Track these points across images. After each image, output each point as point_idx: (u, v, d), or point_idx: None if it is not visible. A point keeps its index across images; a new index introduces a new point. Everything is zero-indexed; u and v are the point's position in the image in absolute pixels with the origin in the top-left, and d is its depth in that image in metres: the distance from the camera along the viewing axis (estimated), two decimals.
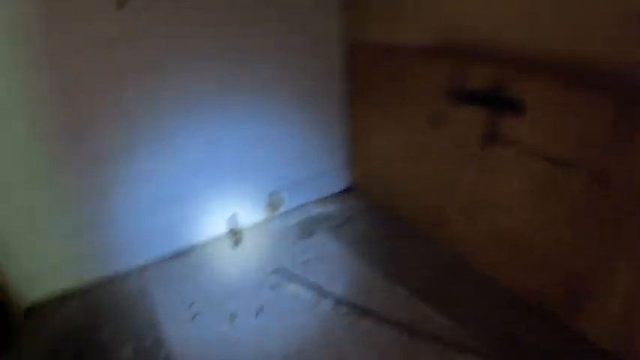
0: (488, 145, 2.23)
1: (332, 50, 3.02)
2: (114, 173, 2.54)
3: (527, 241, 2.23)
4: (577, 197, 1.93)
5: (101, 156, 2.46)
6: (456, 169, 2.48)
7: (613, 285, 1.90)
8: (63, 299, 2.65)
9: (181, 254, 2.97)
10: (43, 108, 2.23)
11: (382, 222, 3.13)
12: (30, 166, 2.32)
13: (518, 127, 2.08)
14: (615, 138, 1.72)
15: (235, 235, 2.98)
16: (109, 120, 2.41)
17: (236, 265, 2.82)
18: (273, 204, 3.23)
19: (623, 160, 1.73)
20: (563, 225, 2.03)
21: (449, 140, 2.46)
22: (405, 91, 2.66)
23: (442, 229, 2.74)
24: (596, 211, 1.88)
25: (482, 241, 2.49)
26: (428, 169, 2.68)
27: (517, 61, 2.05)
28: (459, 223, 2.61)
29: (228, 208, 3.04)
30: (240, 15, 2.61)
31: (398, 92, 2.72)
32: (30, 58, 2.12)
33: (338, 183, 3.54)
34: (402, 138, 2.82)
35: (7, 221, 2.37)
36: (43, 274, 2.58)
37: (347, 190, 3.57)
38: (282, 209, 3.31)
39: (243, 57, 2.70)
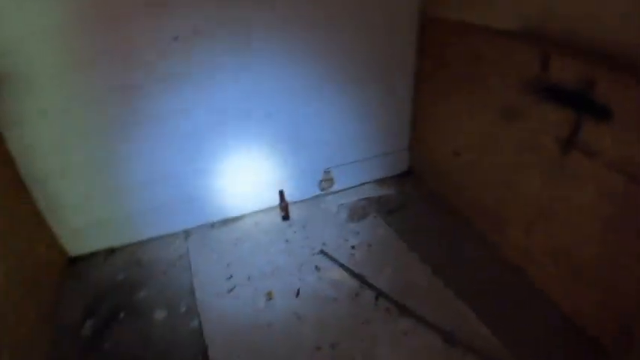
0: (565, 151, 1.94)
1: (407, 25, 2.76)
2: (167, 133, 2.48)
3: (589, 264, 1.96)
4: None
5: (154, 115, 2.40)
6: (525, 170, 2.21)
7: None
8: (105, 256, 2.68)
9: (228, 222, 2.91)
10: (103, 64, 2.18)
11: (437, 213, 2.91)
12: (85, 120, 2.30)
13: (602, 136, 1.77)
14: None
15: (285, 209, 2.87)
16: (163, 81, 2.33)
17: (281, 240, 2.72)
18: (326, 181, 3.09)
19: None
20: (634, 256, 1.76)
21: (521, 138, 2.17)
22: (479, 76, 2.37)
23: (499, 233, 2.49)
24: None
25: (540, 254, 2.23)
26: (494, 166, 2.42)
27: (614, 59, 1.72)
28: (517, 229, 2.35)
29: (281, 182, 2.93)
30: None
31: (471, 77, 2.44)
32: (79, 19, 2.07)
33: (396, 166, 3.33)
34: (470, 127, 2.56)
35: (57, 175, 2.38)
36: (89, 230, 2.62)
37: (404, 174, 3.35)
38: (335, 187, 3.16)
39: (313, 25, 2.52)
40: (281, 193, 2.87)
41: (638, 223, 1.71)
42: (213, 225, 2.89)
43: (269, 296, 2.33)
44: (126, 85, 2.26)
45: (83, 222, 2.57)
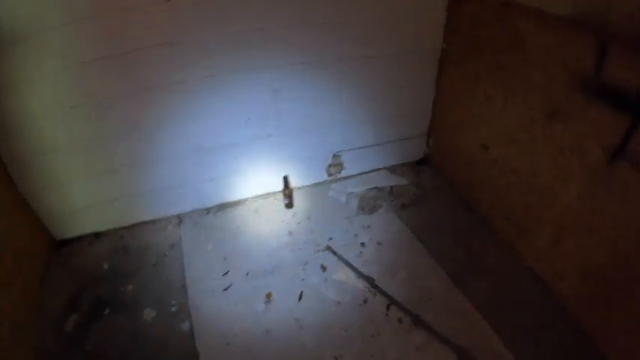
0: (613, 161, 1.68)
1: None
2: (160, 111, 2.22)
3: (623, 287, 1.73)
4: None
5: (148, 87, 2.13)
6: (563, 176, 1.95)
7: None
8: (91, 241, 2.44)
9: (226, 208, 2.67)
10: (91, 32, 1.90)
11: (456, 210, 2.65)
12: (68, 95, 2.03)
13: None
14: None
15: (289, 196, 2.63)
16: (160, 51, 2.04)
17: (284, 232, 2.49)
18: (335, 166, 2.83)
19: None
20: None
21: (564, 140, 1.90)
22: (520, 65, 2.07)
23: (523, 239, 2.25)
24: None
25: (569, 270, 2.00)
26: (527, 166, 2.16)
27: None
28: (546, 239, 2.11)
29: (285, 165, 2.67)
30: None
31: (510, 65, 2.13)
32: None
33: (411, 153, 3.05)
34: (503, 120, 2.27)
35: (41, 156, 2.13)
36: (76, 213, 2.39)
37: (419, 163, 3.09)
38: (344, 173, 2.90)
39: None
40: (285, 179, 2.62)
41: None
42: (209, 210, 2.64)
43: (268, 298, 2.11)
44: (113, 55, 1.98)
45: (69, 204, 2.33)
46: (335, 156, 2.80)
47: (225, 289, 2.16)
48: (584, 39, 1.70)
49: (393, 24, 2.41)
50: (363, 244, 2.40)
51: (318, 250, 2.36)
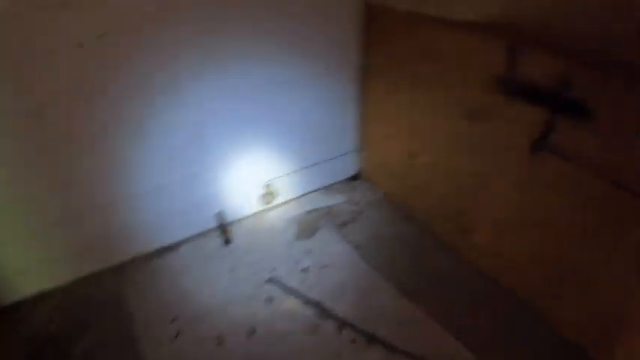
0: (538, 153, 1.78)
1: (349, 17, 2.50)
2: (83, 163, 2.10)
3: (569, 270, 1.84)
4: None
5: (69, 141, 2.02)
6: (492, 173, 2.04)
7: None
8: (34, 304, 2.27)
9: (164, 253, 2.55)
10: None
11: (396, 221, 2.69)
12: None
13: (580, 137, 1.61)
14: None
15: (225, 232, 2.57)
16: (75, 101, 1.95)
17: (225, 270, 2.41)
18: (269, 194, 2.80)
19: None
20: (614, 261, 1.64)
21: (490, 138, 1.99)
22: (437, 73, 2.15)
23: (467, 239, 2.32)
24: None
25: (514, 259, 2.09)
26: (458, 168, 2.23)
27: (593, 53, 1.57)
28: (485, 235, 2.19)
29: (217, 200, 2.61)
30: None
31: (428, 74, 2.21)
32: None
33: (343, 170, 3.08)
34: (427, 127, 2.34)
35: None
36: (13, 276, 2.21)
37: (355, 178, 3.12)
38: (280, 199, 2.88)
39: (240, 18, 2.20)
40: (219, 215, 2.56)
41: (616, 228, 1.60)
42: (149, 257, 2.52)
43: (219, 340, 2.03)
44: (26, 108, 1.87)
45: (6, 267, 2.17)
46: (267, 184, 2.77)
47: (175, 337, 2.06)
48: (494, 42, 1.81)
49: (309, 46, 2.45)
50: (306, 270, 2.37)
51: (263, 283, 2.31)
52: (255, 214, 2.82)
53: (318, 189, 3.01)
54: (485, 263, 2.25)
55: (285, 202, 2.91)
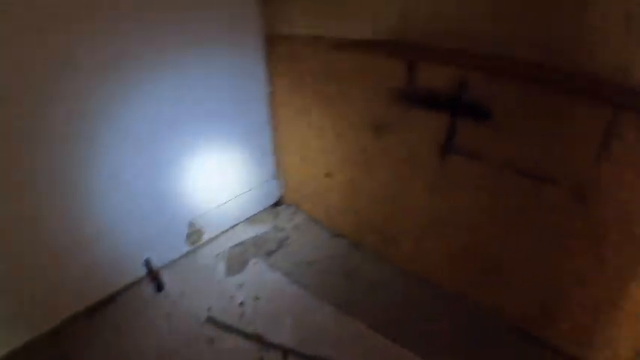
0: (446, 156, 1.99)
1: (251, 47, 2.62)
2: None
3: (495, 261, 2.08)
4: (549, 215, 1.80)
5: None
6: (407, 182, 2.23)
7: (584, 299, 1.83)
8: None
9: (97, 310, 2.49)
10: None
11: (323, 240, 2.85)
12: None
13: (481, 135, 1.85)
14: (596, 149, 1.55)
15: (155, 278, 2.57)
16: None
17: (162, 316, 2.42)
18: (194, 234, 2.84)
19: (601, 175, 1.58)
20: (529, 241, 1.92)
21: (399, 149, 2.19)
22: (341, 92, 2.33)
23: (394, 248, 2.50)
24: (568, 227, 1.76)
25: (441, 258, 2.30)
26: (374, 181, 2.42)
27: (483, 58, 1.78)
28: (411, 240, 2.39)
29: (146, 248, 2.60)
30: None
31: (334, 92, 2.38)
32: None
33: (267, 197, 3.19)
34: (340, 145, 2.52)
35: None
36: None
37: (278, 204, 3.23)
38: (206, 237, 2.92)
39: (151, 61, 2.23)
40: (147, 262, 2.56)
41: (531, 212, 1.85)
42: (85, 313, 2.45)
43: None
44: None
45: None
46: (191, 224, 2.80)
47: None
48: (393, 57, 2.00)
49: (214, 74, 2.53)
50: (242, 304, 2.44)
51: (201, 325, 2.34)
52: (183, 255, 2.84)
53: (243, 220, 3.08)
54: (414, 267, 2.45)
55: (212, 239, 2.95)
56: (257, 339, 2.22)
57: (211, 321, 2.35)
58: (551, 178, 1.71)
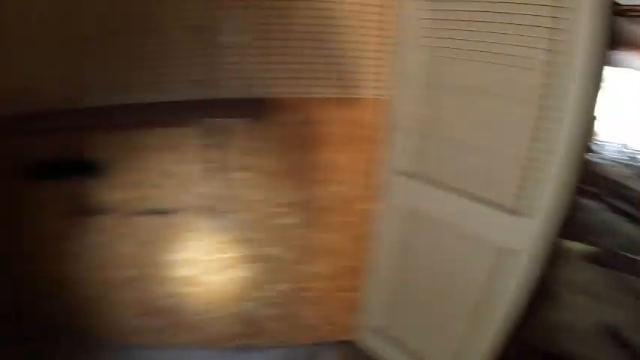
0: (83, 217, 1.91)
1: None
2: None
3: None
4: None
5: None
6: (43, 255, 2.04)
7: None
8: None
9: None
10: None
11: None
12: None
13: (109, 188, 1.86)
14: None
15: None
16: None
17: None
18: None
19: None
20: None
21: (39, 226, 1.98)
22: None
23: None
24: None
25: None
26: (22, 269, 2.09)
27: (79, 115, 1.74)
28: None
29: None
30: None
31: None
32: None
33: None
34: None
35: None
36: None
37: None
38: None
39: None
40: None
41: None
42: None
43: None
44: None
45: None
46: None
47: None
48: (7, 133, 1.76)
49: None
50: None
51: None
52: None
53: None
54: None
55: None
56: None
57: None
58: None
